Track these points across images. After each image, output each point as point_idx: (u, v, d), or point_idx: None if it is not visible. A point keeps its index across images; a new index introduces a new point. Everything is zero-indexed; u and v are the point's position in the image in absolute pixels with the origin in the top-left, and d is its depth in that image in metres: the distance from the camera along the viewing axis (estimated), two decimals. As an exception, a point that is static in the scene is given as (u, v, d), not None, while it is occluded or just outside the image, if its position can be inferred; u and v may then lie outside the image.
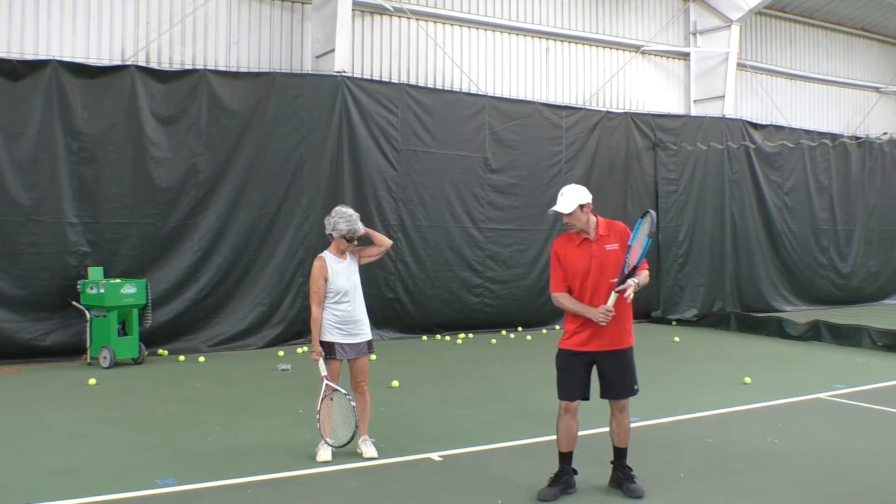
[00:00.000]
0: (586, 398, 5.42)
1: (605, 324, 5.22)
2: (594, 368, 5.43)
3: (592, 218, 5.41)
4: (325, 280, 6.20)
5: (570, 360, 5.39)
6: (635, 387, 5.45)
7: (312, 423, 6.46)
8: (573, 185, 5.50)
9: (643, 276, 5.31)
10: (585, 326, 5.32)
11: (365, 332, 6.36)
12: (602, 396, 5.48)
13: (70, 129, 10.92)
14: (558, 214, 5.35)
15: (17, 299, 10.58)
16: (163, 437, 6.91)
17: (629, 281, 5.20)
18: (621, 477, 5.50)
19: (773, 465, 6.13)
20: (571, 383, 5.37)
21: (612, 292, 5.22)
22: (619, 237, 5.39)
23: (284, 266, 12.32)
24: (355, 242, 6.35)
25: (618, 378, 5.40)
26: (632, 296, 5.24)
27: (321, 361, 6.18)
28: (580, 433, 5.50)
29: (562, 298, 5.40)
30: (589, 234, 5.38)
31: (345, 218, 6.25)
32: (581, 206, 5.31)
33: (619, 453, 5.55)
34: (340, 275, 6.23)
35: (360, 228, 6.31)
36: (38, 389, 9.01)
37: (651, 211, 5.42)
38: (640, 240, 5.26)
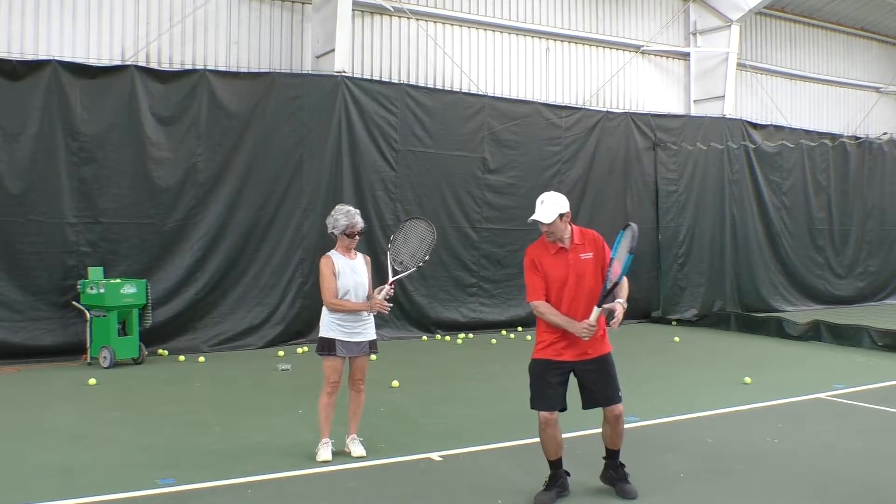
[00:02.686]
0: (564, 409, 5.27)
1: (587, 339, 5.10)
2: (571, 378, 5.28)
3: (568, 226, 5.28)
4: (335, 275, 6.15)
5: (547, 371, 5.23)
6: (619, 392, 5.27)
7: (312, 423, 6.45)
8: (552, 192, 5.31)
9: (625, 293, 5.14)
10: (563, 337, 5.19)
11: (368, 332, 6.31)
12: (585, 407, 5.32)
13: (70, 129, 10.93)
14: (537, 224, 5.18)
15: (16, 299, 10.60)
16: (163, 437, 6.91)
17: (616, 304, 5.04)
18: (614, 476, 5.44)
19: (773, 465, 6.12)
20: (550, 395, 5.21)
21: (595, 308, 5.04)
22: (593, 245, 5.28)
23: (284, 266, 12.33)
24: (357, 238, 6.31)
25: (601, 386, 5.25)
26: (621, 318, 5.08)
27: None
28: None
29: (543, 308, 5.20)
30: (564, 242, 5.26)
31: (343, 213, 6.24)
32: (561, 216, 5.16)
33: (613, 453, 5.49)
34: (346, 273, 6.20)
35: (360, 222, 6.27)
36: (38, 389, 9.01)
37: (632, 224, 5.21)
38: (620, 255, 5.10)
